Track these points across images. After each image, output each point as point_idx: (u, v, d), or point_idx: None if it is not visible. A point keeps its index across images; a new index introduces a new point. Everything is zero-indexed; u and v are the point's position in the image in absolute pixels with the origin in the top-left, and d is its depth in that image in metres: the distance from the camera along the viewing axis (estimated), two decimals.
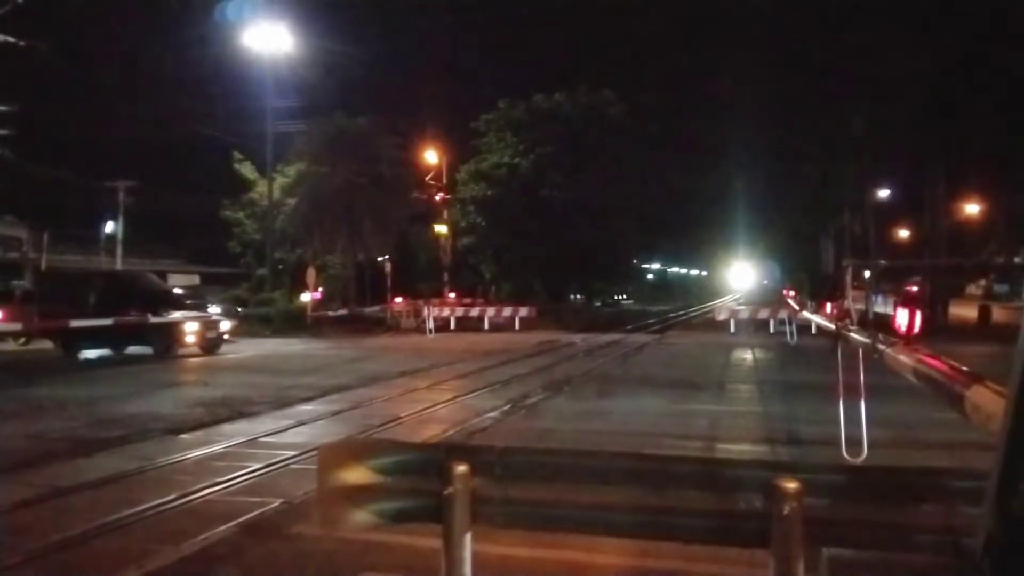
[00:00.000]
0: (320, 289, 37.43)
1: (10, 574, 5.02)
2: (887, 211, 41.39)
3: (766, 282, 73.84)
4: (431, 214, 45.92)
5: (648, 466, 3.32)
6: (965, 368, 3.15)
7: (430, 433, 9.88)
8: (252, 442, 9.22)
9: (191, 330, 21.01)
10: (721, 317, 32.32)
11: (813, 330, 23.28)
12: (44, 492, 6.90)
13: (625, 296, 66.64)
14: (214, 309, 29.00)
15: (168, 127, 46.32)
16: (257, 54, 33.13)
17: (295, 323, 31.72)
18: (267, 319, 31.96)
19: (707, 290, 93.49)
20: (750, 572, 4.13)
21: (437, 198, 46.20)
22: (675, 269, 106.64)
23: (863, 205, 40.07)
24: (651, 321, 39.30)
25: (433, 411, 11.79)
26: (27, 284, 28.95)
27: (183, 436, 9.62)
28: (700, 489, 3.04)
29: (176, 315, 21.37)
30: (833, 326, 7.75)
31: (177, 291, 28.25)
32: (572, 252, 47.44)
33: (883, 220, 42.39)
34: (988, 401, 2.60)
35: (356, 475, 3.34)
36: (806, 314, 24.76)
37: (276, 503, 6.48)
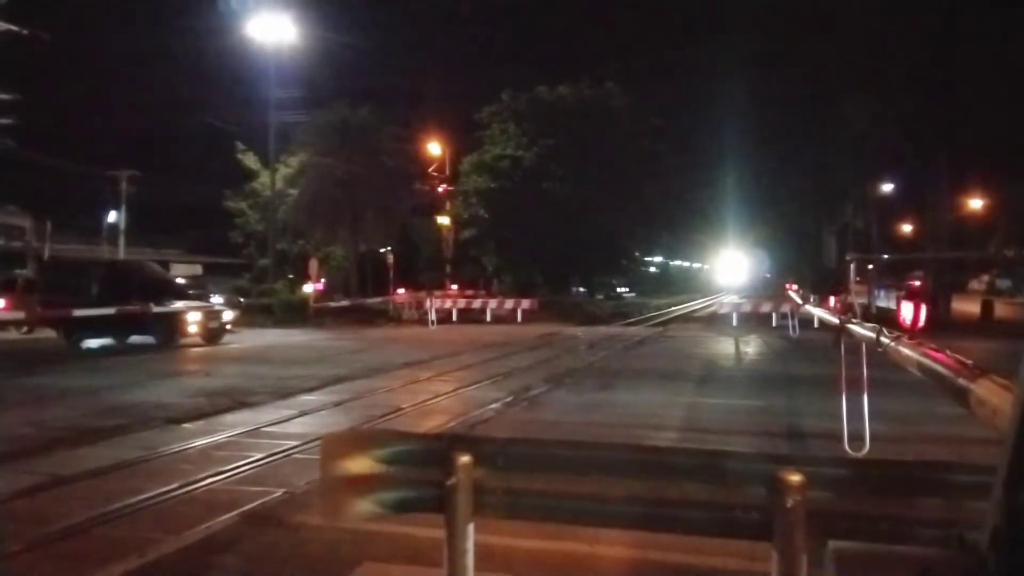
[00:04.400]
0: (322, 280, 37.47)
1: (12, 562, 5.03)
2: (890, 205, 41.32)
3: (768, 275, 73.72)
4: (434, 206, 45.92)
5: (650, 458, 3.32)
6: (970, 362, 3.14)
7: (432, 424, 9.89)
8: (254, 432, 9.23)
9: (193, 320, 21.02)
10: (723, 311, 32.60)
11: (815, 324, 23.36)
12: (46, 480, 6.91)
13: (627, 289, 66.60)
14: (216, 299, 29.03)
15: (171, 117, 46.48)
16: (260, 44, 33.09)
17: (297, 314, 31.75)
18: (269, 310, 31.98)
19: (709, 283, 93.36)
20: (753, 565, 4.13)
21: (440, 189, 46.18)
22: (677, 262, 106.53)
23: (865, 199, 39.99)
24: (653, 314, 39.32)
25: (435, 402, 11.80)
26: (30, 273, 29.05)
27: (185, 425, 9.63)
28: (703, 481, 3.04)
29: (178, 305, 21.36)
30: (836, 320, 7.74)
31: (180, 281, 28.30)
32: (574, 245, 47.42)
33: (886, 215, 42.34)
34: (994, 395, 2.59)
35: (359, 465, 3.34)
36: (808, 308, 24.79)
37: (278, 493, 6.48)
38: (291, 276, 38.02)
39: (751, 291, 58.97)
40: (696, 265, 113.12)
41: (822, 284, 34.97)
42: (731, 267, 73.11)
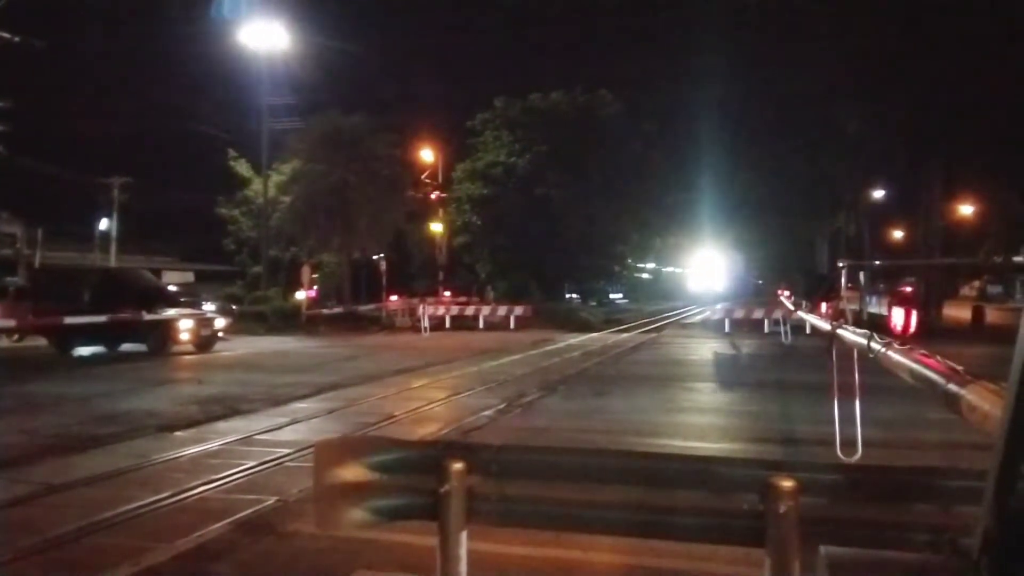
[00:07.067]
0: (315, 287, 37.41)
1: (4, 571, 5.00)
2: (882, 212, 41.50)
3: (760, 281, 73.83)
4: (427, 212, 45.93)
5: (644, 464, 3.32)
6: (961, 368, 3.15)
7: (425, 431, 9.88)
8: (247, 440, 9.20)
9: (185, 327, 20.96)
10: (716, 317, 32.72)
11: (807, 330, 23.40)
12: (38, 489, 6.88)
13: (620, 295, 66.69)
14: (209, 307, 28.89)
15: (163, 124, 46.37)
16: (253, 51, 33.14)
17: (290, 321, 31.70)
18: (262, 317, 31.92)
19: (691, 290, 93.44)
20: (746, 571, 4.13)
21: (433, 196, 46.21)
22: (670, 268, 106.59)
23: (858, 205, 40.14)
24: (646, 320, 39.34)
25: (428, 409, 11.78)
26: (21, 281, 28.89)
27: (177, 433, 9.60)
28: (696, 487, 3.04)
29: (170, 312, 21.30)
30: (828, 326, 7.76)
31: (172, 288, 28.20)
32: (567, 251, 47.50)
33: (878, 221, 42.51)
34: (985, 401, 2.60)
35: (352, 473, 3.33)
36: (800, 314, 24.85)
37: (271, 501, 6.46)
38: (269, 267, 37.90)
39: (737, 298, 58.68)
40: (687, 271, 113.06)
41: (814, 290, 35.04)
42: (716, 272, 73.03)
